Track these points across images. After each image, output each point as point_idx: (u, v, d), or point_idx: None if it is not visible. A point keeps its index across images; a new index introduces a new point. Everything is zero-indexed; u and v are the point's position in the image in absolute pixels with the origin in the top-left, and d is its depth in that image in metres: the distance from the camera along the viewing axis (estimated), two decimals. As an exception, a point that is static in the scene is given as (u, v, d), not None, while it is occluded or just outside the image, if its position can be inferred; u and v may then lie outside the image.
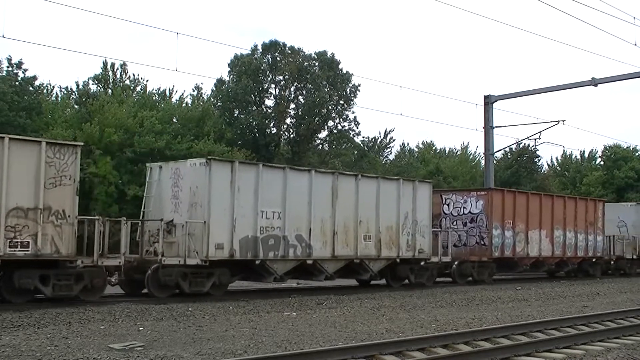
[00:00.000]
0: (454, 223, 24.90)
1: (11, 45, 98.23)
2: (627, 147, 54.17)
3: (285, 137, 43.24)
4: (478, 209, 24.48)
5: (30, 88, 34.08)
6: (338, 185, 19.10)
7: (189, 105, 40.49)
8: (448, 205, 25.25)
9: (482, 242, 24.22)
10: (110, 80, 39.57)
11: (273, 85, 42.32)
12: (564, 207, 27.49)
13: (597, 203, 30.22)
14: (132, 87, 39.66)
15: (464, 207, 24.83)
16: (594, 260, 29.30)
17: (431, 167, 52.83)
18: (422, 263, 21.60)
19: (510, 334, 11.48)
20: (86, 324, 11.98)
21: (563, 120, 32.16)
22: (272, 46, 41.83)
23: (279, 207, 17.66)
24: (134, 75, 40.19)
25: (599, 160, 57.52)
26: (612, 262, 30.86)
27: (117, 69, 39.59)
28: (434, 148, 61.83)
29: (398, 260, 20.66)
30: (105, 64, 38.97)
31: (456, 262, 23.38)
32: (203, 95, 42.74)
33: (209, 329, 11.75)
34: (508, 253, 24.78)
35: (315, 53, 42.48)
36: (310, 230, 18.32)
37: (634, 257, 31.68)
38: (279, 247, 17.64)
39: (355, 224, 19.47)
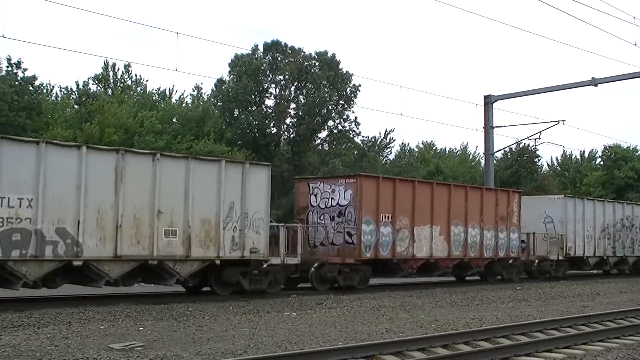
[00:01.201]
0: (322, 217, 20.48)
1: (11, 45, 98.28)
2: (627, 147, 54.22)
3: (285, 137, 43.27)
4: (346, 200, 19.97)
5: (30, 88, 34.12)
6: (125, 166, 15.03)
7: (189, 105, 40.52)
8: (315, 195, 20.75)
9: (350, 241, 19.82)
10: (111, 80, 39.61)
11: (273, 85, 42.36)
12: (465, 199, 22.97)
13: (512, 195, 25.47)
14: (133, 88, 39.70)
15: (332, 198, 20.35)
16: (510, 262, 25.01)
17: (431, 167, 52.85)
18: (264, 265, 17.64)
19: (510, 334, 11.47)
20: (86, 324, 11.98)
21: (563, 120, 32.17)
22: (273, 46, 41.87)
23: (29, 192, 13.66)
24: (136, 75, 40.28)
25: (599, 160, 57.54)
26: (534, 264, 26.74)
27: (118, 69, 39.67)
28: (434, 148, 61.86)
29: (218, 261, 16.52)
30: (106, 64, 39.03)
31: (315, 265, 19.13)
32: (203, 95, 42.81)
33: (209, 329, 11.75)
34: (385, 254, 20.30)
35: (316, 53, 42.53)
36: (79, 222, 14.23)
37: (561, 257, 27.45)
38: (29, 244, 13.59)
39: (152, 215, 15.35)
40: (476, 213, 23.35)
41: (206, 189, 16.42)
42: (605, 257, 29.87)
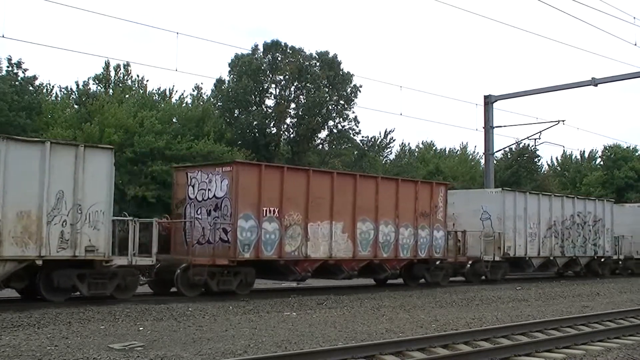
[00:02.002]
0: (199, 211, 17.89)
1: (11, 45, 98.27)
2: (627, 147, 54.23)
3: (285, 137, 43.26)
4: (223, 191, 17.35)
5: (30, 88, 34.09)
6: None
7: (189, 105, 40.50)
8: (193, 187, 18.22)
9: (226, 239, 17.18)
10: (112, 81, 39.60)
11: (273, 85, 42.33)
12: (375, 191, 20.11)
13: (436, 187, 22.32)
14: (134, 88, 39.69)
15: (209, 189, 17.78)
16: (437, 263, 22.46)
17: (431, 167, 52.85)
18: (113, 267, 15.17)
19: (510, 334, 11.48)
20: (86, 324, 11.99)
21: (563, 120, 32.24)
22: (273, 46, 41.85)
23: None
24: (137, 76, 40.28)
25: (599, 160, 57.53)
26: (468, 265, 23.83)
27: (120, 69, 39.66)
28: (434, 148, 61.85)
29: (40, 262, 13.97)
30: (107, 64, 39.02)
31: (181, 267, 16.57)
32: (203, 95, 42.77)
33: (209, 329, 11.75)
34: (270, 254, 17.64)
35: (317, 53, 42.51)
36: None
37: (498, 258, 24.53)
38: None
39: None
40: (390, 208, 20.48)
41: (25, 175, 13.88)
42: (552, 258, 26.75)
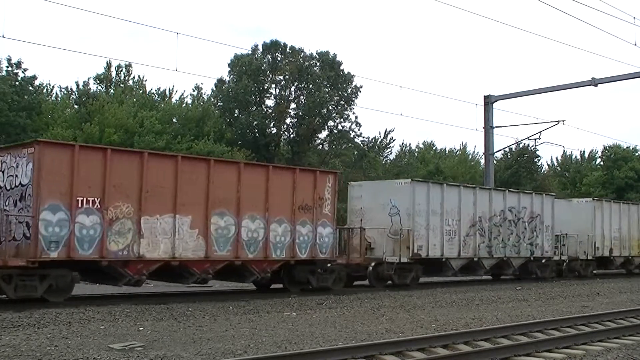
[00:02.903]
0: (7, 202, 14.73)
1: (11, 45, 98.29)
2: (627, 147, 54.27)
3: (285, 137, 43.28)
4: (27, 177, 14.18)
5: (30, 88, 34.12)
6: None
7: (189, 105, 40.53)
8: (3, 172, 15.05)
9: (29, 234, 13.96)
10: (113, 81, 39.64)
11: (273, 85, 42.37)
12: (238, 179, 16.90)
13: (321, 176, 18.86)
14: (135, 88, 39.72)
15: (16, 176, 14.65)
16: (328, 264, 19.10)
17: (431, 167, 52.88)
18: None
19: (510, 334, 11.47)
20: (86, 324, 11.98)
21: (563, 120, 32.24)
22: (273, 46, 41.89)
23: None
24: (139, 76, 40.32)
25: (599, 160, 57.56)
26: (370, 268, 20.45)
27: (122, 69, 39.70)
28: (434, 148, 61.90)
29: None
30: (108, 64, 39.06)
31: None
32: (203, 95, 42.82)
33: (209, 329, 11.75)
34: (88, 252, 14.45)
35: (317, 53, 42.55)
36: None
37: (406, 259, 20.83)
38: None
39: None
40: (258, 199, 17.27)
41: None
42: (476, 260, 23.14)
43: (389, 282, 21.04)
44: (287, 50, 42.03)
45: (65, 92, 40.74)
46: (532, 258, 25.66)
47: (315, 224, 18.48)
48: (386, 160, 53.77)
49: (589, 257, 28.88)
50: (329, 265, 19.09)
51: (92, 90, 38.07)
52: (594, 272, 29.85)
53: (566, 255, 28.04)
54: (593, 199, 30.63)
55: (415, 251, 21.05)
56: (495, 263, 24.25)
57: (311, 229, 18.42)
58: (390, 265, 20.60)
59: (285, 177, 18.07)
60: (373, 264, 20.54)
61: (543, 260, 26.38)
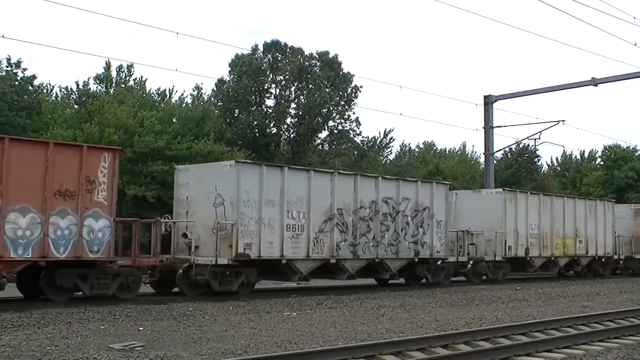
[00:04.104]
0: None
1: (11, 45, 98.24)
2: (627, 147, 54.22)
3: (286, 137, 43.27)
4: None
5: (30, 88, 34.11)
6: None
7: (189, 105, 40.51)
8: None
9: None
10: (114, 81, 39.63)
11: (273, 85, 42.35)
12: None
13: (92, 153, 15.05)
14: (136, 89, 39.72)
15: None
16: (116, 266, 15.31)
17: (431, 167, 52.85)
18: None
19: (510, 334, 11.47)
20: (86, 324, 11.99)
21: (563, 120, 32.24)
22: (273, 46, 41.87)
23: None
24: (141, 77, 40.32)
25: (598, 160, 57.54)
26: (180, 271, 16.59)
27: (123, 69, 39.71)
28: (434, 148, 61.87)
29: None
30: (108, 63, 39.05)
31: None
32: (203, 95, 42.79)
33: (209, 329, 11.75)
34: None
35: (317, 53, 42.53)
36: None
37: (228, 260, 16.85)
38: None
39: None
40: None
41: None
42: (334, 261, 19.07)
43: (216, 289, 16.91)
44: (287, 50, 42.01)
45: (65, 92, 40.75)
46: (416, 259, 21.36)
47: (81, 215, 14.57)
48: (386, 160, 53.76)
49: (499, 258, 24.55)
50: (111, 266, 15.16)
51: (92, 90, 38.05)
52: (507, 276, 25.42)
53: (465, 255, 23.68)
54: (504, 189, 26.05)
55: (241, 250, 16.93)
56: (363, 265, 19.94)
57: (75, 221, 14.51)
58: (204, 268, 16.46)
59: (33, 153, 14.20)
60: (185, 266, 16.62)
61: (439, 262, 22.30)
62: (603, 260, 29.67)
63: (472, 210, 24.93)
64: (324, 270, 19.33)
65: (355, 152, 46.73)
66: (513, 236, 25.02)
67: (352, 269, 19.71)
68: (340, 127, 43.56)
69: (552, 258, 26.85)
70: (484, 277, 24.33)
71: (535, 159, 56.11)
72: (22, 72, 33.58)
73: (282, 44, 42.03)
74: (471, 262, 23.78)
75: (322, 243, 18.83)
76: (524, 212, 25.53)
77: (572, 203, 28.06)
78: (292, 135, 42.99)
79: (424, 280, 22.28)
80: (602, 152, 56.31)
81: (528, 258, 25.71)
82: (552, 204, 26.99)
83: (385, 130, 51.24)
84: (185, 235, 17.51)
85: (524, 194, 26.24)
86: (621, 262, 31.09)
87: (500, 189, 26.53)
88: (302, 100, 42.21)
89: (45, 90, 39.22)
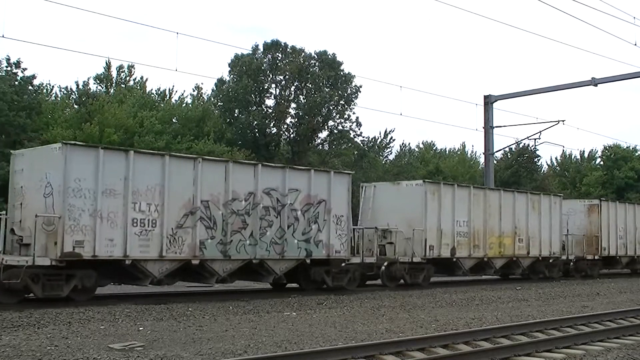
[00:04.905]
0: None
1: (11, 45, 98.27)
2: (627, 147, 54.29)
3: (286, 137, 43.29)
4: None
5: (30, 87, 34.11)
6: None
7: (189, 105, 40.54)
8: None
9: None
10: (114, 81, 39.67)
11: (273, 85, 42.38)
12: None
13: None
14: (137, 89, 39.76)
15: None
16: None
17: (431, 167, 52.89)
18: None
19: (510, 334, 11.47)
20: (86, 324, 11.99)
21: (563, 120, 32.24)
22: (273, 46, 41.90)
23: None
24: (141, 78, 40.36)
25: (598, 160, 57.58)
26: None
27: (123, 69, 39.74)
28: (434, 148, 61.92)
29: None
30: (108, 63, 39.09)
31: None
32: (203, 95, 42.84)
33: (209, 329, 11.75)
34: None
35: (315, 53, 42.57)
36: None
37: (50, 261, 14.16)
38: None
39: None
40: None
41: None
42: (197, 262, 16.20)
43: (31, 294, 14.47)
44: (288, 50, 42.04)
45: (65, 92, 40.79)
46: (308, 260, 18.46)
47: None
48: (386, 160, 53.79)
49: (418, 260, 21.43)
50: None
51: (92, 90, 38.09)
52: (431, 279, 22.38)
53: (374, 256, 20.61)
54: (424, 181, 22.62)
55: (69, 249, 14.20)
56: (238, 267, 17.12)
57: None
58: (17, 270, 13.63)
59: None
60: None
61: (343, 264, 19.42)
62: (551, 261, 26.53)
63: (391, 204, 21.95)
64: (182, 272, 16.47)
65: (356, 152, 46.77)
66: (436, 234, 21.82)
67: (223, 271, 16.75)
68: (340, 127, 43.60)
69: (485, 259, 23.46)
70: (400, 281, 21.20)
71: (535, 159, 56.18)
72: (22, 72, 33.59)
73: (282, 44, 42.07)
74: (385, 264, 20.63)
75: (181, 241, 15.95)
76: (450, 207, 22.32)
77: (511, 197, 24.86)
78: (292, 135, 43.01)
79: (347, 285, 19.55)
80: (602, 152, 56.38)
81: (454, 259, 22.34)
82: (486, 199, 23.71)
83: (385, 131, 51.36)
84: (13, 231, 14.99)
85: (450, 187, 23.02)
86: (572, 263, 27.88)
87: (421, 181, 22.92)
88: (302, 100, 42.23)
89: (45, 90, 39.25)
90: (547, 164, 61.11)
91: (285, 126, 42.64)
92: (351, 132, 44.07)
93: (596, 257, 28.87)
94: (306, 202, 18.44)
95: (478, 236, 23.23)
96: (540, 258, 25.94)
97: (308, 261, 18.49)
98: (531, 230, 25.41)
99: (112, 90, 38.75)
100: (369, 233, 21.06)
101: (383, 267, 20.54)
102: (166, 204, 15.66)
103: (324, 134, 44.08)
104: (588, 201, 30.46)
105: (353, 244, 20.22)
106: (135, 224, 15.16)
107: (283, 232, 17.84)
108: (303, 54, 42.14)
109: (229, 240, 16.75)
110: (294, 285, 19.66)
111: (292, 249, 18.05)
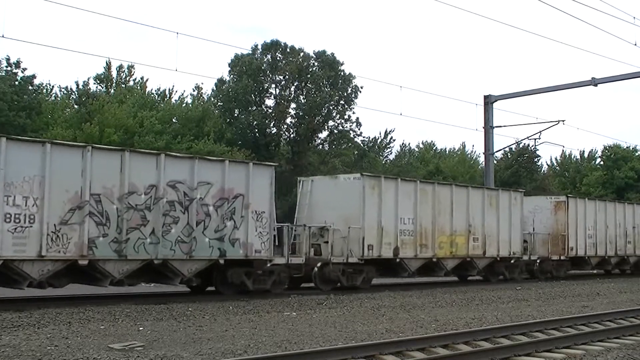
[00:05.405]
0: None
1: (11, 45, 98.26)
2: (627, 147, 54.27)
3: (286, 137, 43.30)
4: None
5: (30, 87, 34.13)
6: None
7: (189, 105, 40.55)
8: None
9: None
10: (114, 81, 39.67)
11: (273, 85, 42.38)
12: None
13: None
14: (137, 89, 39.76)
15: None
16: None
17: (431, 167, 52.90)
18: None
19: (510, 334, 11.47)
20: (86, 324, 11.99)
21: (563, 120, 32.20)
22: (273, 46, 41.91)
23: None
24: (142, 79, 40.37)
25: (598, 160, 57.59)
26: None
27: (123, 69, 39.74)
28: (434, 148, 61.95)
29: None
30: (108, 63, 39.10)
31: None
32: (203, 95, 42.85)
33: (209, 329, 11.75)
34: None
35: (315, 52, 42.58)
36: None
37: None
38: None
39: None
40: None
41: None
42: (85, 262, 14.42)
43: None
44: (287, 50, 42.05)
45: (65, 92, 40.81)
46: (222, 261, 16.67)
47: None
48: (386, 160, 53.81)
49: (355, 260, 19.49)
50: None
51: (92, 90, 38.10)
52: (371, 282, 20.47)
53: (303, 256, 18.81)
54: (362, 174, 20.56)
55: None
56: (137, 268, 15.34)
57: None
58: None
59: None
60: None
61: (269, 264, 17.58)
62: (512, 261, 24.66)
63: (329, 200, 20.16)
64: (66, 274, 14.79)
65: (356, 152, 46.77)
66: (376, 233, 19.82)
67: (119, 272, 15.05)
68: (340, 127, 43.61)
69: (434, 260, 21.57)
70: (337, 284, 19.45)
71: (535, 159, 56.19)
72: (22, 72, 33.61)
73: (282, 44, 42.07)
74: (318, 265, 18.93)
75: (65, 239, 14.21)
76: (393, 203, 20.36)
77: (464, 193, 22.83)
78: (292, 135, 43.01)
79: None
80: (602, 152, 56.36)
81: (398, 260, 20.42)
82: (435, 194, 21.72)
83: (385, 131, 51.41)
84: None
85: (393, 181, 20.91)
86: (537, 264, 26.14)
87: (358, 174, 20.81)
88: (302, 100, 42.23)
89: (45, 90, 39.26)
90: (547, 164, 61.18)
91: (285, 126, 42.65)
92: (351, 132, 44.08)
93: (562, 258, 27.19)
94: (220, 197, 16.61)
95: (426, 235, 21.37)
96: (498, 259, 24.05)
97: (222, 262, 16.64)
98: (488, 228, 23.47)
99: (112, 90, 38.75)
100: (299, 231, 19.54)
101: (316, 269, 18.91)
102: (47, 197, 13.91)
103: (324, 134, 44.12)
104: (555, 197, 28.71)
105: (282, 243, 18.27)
106: (8, 220, 13.41)
107: (191, 230, 16.05)
108: (302, 53, 42.13)
109: (124, 238, 14.98)
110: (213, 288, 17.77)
111: (202, 248, 16.25)
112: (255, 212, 17.28)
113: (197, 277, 16.73)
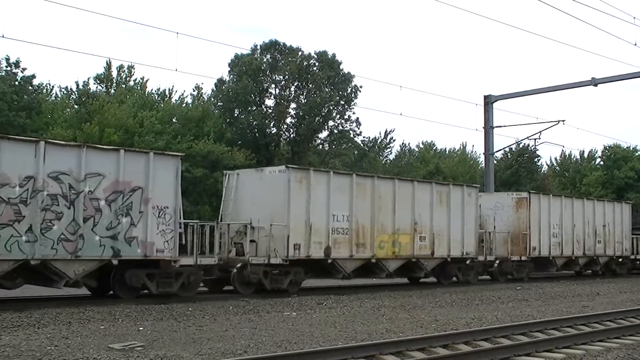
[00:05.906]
0: None
1: (11, 45, 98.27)
2: (627, 147, 54.26)
3: (286, 137, 43.29)
4: None
5: (30, 87, 34.12)
6: None
7: (189, 105, 40.54)
8: None
9: None
10: (114, 81, 39.68)
11: (273, 85, 42.37)
12: None
13: None
14: (137, 89, 39.77)
15: None
16: None
17: (431, 167, 52.90)
18: None
19: (510, 334, 11.47)
20: (86, 324, 11.99)
21: (563, 120, 32.25)
22: (272, 46, 41.89)
23: None
24: (142, 79, 40.38)
25: (598, 160, 57.58)
26: None
27: (123, 69, 39.75)
28: (434, 148, 61.94)
29: None
30: (108, 63, 39.10)
31: None
32: (203, 95, 42.83)
33: (209, 329, 11.75)
34: None
35: (315, 52, 42.59)
36: None
37: None
38: None
39: None
40: None
41: None
42: None
43: None
44: (287, 50, 42.04)
45: (65, 92, 40.81)
46: (115, 261, 14.90)
47: None
48: (386, 160, 53.82)
49: (278, 261, 17.71)
50: None
51: (92, 90, 38.10)
52: (300, 285, 18.69)
53: (214, 257, 17.26)
54: (287, 166, 18.69)
55: None
56: (11, 269, 13.65)
57: None
58: None
59: None
60: None
61: (176, 265, 15.94)
62: (467, 262, 22.99)
63: (255, 195, 18.59)
64: None
65: (356, 152, 46.76)
66: (303, 231, 18.08)
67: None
68: (340, 127, 43.60)
69: (374, 260, 19.75)
70: (256, 287, 17.82)
71: (535, 159, 56.19)
72: (22, 72, 33.61)
73: (282, 44, 42.05)
74: (237, 267, 17.43)
75: None
76: (324, 199, 18.57)
77: (410, 188, 21.00)
78: (292, 135, 43.01)
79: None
80: (602, 152, 56.36)
81: (329, 260, 18.68)
82: (375, 189, 19.87)
83: (385, 131, 51.44)
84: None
85: (324, 174, 19.08)
86: (496, 264, 24.59)
87: (284, 166, 18.92)
88: (302, 100, 42.22)
89: (45, 90, 39.26)
90: (547, 164, 61.16)
91: (285, 126, 42.64)
92: (351, 132, 44.07)
93: (524, 258, 25.54)
94: (113, 190, 14.89)
95: (363, 233, 19.47)
96: (449, 259, 22.23)
97: (115, 262, 14.89)
98: (437, 226, 21.57)
99: (112, 91, 38.75)
100: (224, 229, 18.21)
101: (234, 270, 17.37)
102: None
103: (324, 134, 44.11)
104: (516, 194, 27.03)
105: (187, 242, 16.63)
106: None
107: (78, 227, 14.31)
108: (300, 53, 42.11)
109: None
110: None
111: (91, 247, 14.51)
112: (157, 207, 15.54)
113: (92, 280, 15.26)
